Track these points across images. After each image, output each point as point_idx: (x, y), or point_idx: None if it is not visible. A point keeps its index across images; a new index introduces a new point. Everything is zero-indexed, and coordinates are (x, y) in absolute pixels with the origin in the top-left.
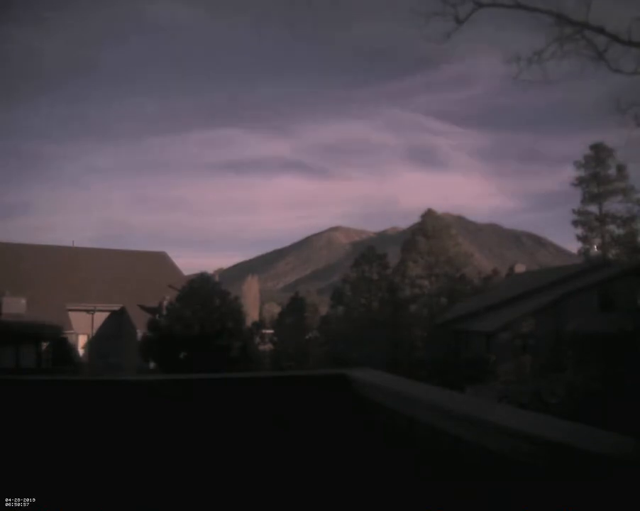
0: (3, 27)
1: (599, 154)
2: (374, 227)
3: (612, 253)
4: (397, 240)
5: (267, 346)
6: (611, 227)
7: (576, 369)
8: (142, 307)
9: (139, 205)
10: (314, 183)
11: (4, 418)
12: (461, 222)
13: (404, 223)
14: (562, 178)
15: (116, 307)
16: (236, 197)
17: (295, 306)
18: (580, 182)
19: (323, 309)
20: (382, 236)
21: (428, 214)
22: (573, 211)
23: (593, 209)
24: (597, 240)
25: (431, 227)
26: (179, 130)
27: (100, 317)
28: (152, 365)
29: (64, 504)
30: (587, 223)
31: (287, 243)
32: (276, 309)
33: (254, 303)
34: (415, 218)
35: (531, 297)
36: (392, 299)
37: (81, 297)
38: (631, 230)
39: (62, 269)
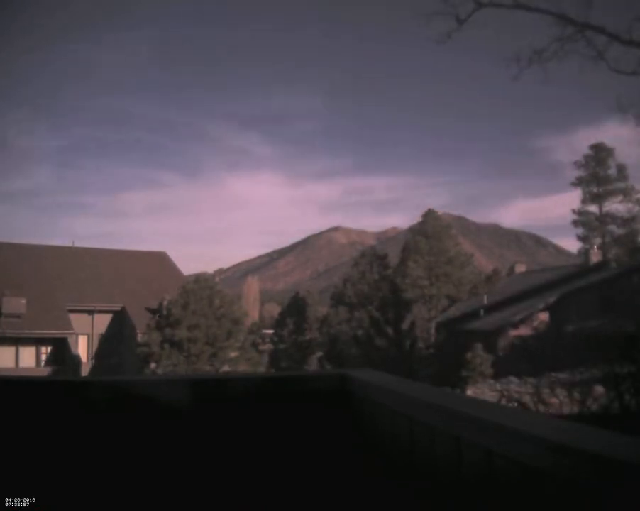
0: None
1: (599, 154)
2: (374, 227)
3: (612, 253)
4: (397, 241)
5: (267, 346)
6: (612, 227)
7: (576, 369)
8: (146, 308)
9: (139, 205)
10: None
11: (4, 418)
12: (461, 222)
13: (404, 223)
14: (562, 178)
15: (116, 307)
16: (236, 197)
17: (295, 306)
18: (580, 181)
19: (324, 309)
20: (382, 236)
21: (428, 214)
22: (573, 211)
23: (593, 209)
24: (597, 240)
25: (431, 227)
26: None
27: (100, 317)
28: (152, 365)
29: (64, 505)
30: (587, 224)
31: (287, 243)
32: (276, 309)
33: (254, 303)
34: (415, 219)
35: (531, 297)
36: (393, 300)
37: (81, 297)
38: (631, 230)
39: (62, 269)
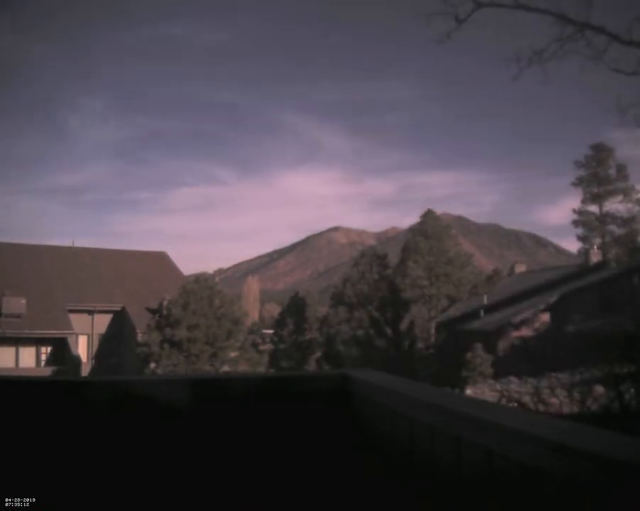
0: None
1: (599, 154)
2: (374, 227)
3: (612, 253)
4: (397, 241)
5: (267, 346)
6: (612, 227)
7: (576, 369)
8: (146, 308)
9: (139, 204)
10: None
11: (4, 418)
12: (461, 222)
13: (404, 223)
14: (562, 178)
15: (116, 307)
16: (236, 197)
17: (295, 306)
18: (580, 181)
19: (323, 309)
20: (382, 236)
21: (428, 214)
22: (573, 211)
23: (593, 209)
24: (597, 240)
25: (431, 227)
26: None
27: (100, 317)
28: (152, 365)
29: (64, 505)
30: (587, 223)
31: (287, 243)
32: (276, 309)
33: (254, 303)
34: (415, 219)
35: (531, 297)
36: (393, 300)
37: (81, 297)
38: (631, 230)
39: (62, 269)
